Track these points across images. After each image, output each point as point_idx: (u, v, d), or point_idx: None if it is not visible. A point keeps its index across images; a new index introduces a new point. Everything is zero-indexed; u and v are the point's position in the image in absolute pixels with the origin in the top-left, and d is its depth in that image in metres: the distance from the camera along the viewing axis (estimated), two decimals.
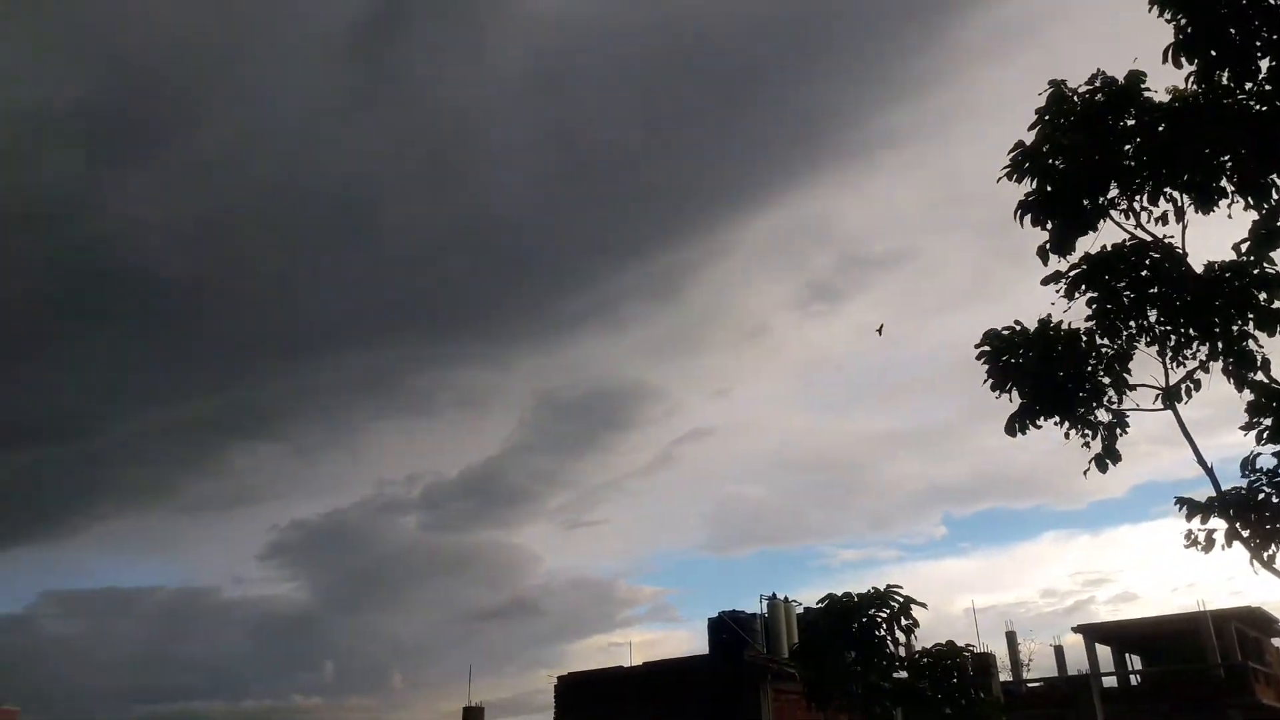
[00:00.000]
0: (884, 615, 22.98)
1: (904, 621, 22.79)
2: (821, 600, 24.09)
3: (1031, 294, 13.52)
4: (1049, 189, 13.42)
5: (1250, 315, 12.54)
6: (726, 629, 21.75)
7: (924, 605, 23.09)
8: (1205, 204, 12.53)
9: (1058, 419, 13.46)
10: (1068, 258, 13.40)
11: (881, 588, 23.18)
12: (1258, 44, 12.08)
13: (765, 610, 30.84)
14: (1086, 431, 13.47)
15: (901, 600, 22.94)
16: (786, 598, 25.71)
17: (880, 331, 46.05)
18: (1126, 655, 56.75)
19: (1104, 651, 53.66)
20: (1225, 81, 12.33)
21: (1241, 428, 12.71)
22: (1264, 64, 12.03)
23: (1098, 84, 13.41)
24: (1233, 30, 12.22)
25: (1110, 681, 50.13)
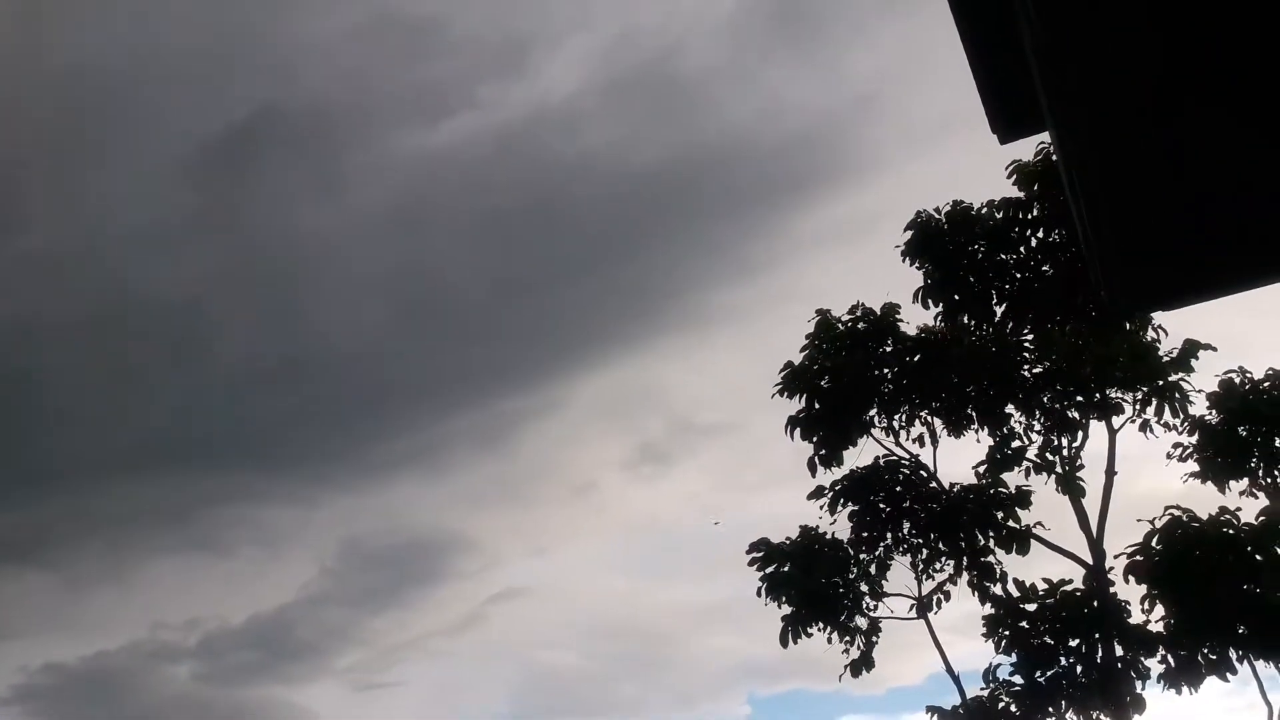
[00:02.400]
0: None
1: None
2: None
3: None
4: (816, 406, 13.79)
5: (990, 533, 13.06)
6: None
7: None
8: (955, 428, 13.18)
9: (822, 625, 13.35)
10: (833, 470, 13.69)
11: None
12: (993, 291, 13.14)
13: None
14: (846, 638, 13.41)
15: None
16: None
17: (718, 524, 45.57)
18: None
19: None
20: (967, 321, 13.27)
21: (983, 634, 12.93)
22: (999, 309, 13.06)
23: (859, 314, 14.13)
24: (972, 279, 13.25)
25: None
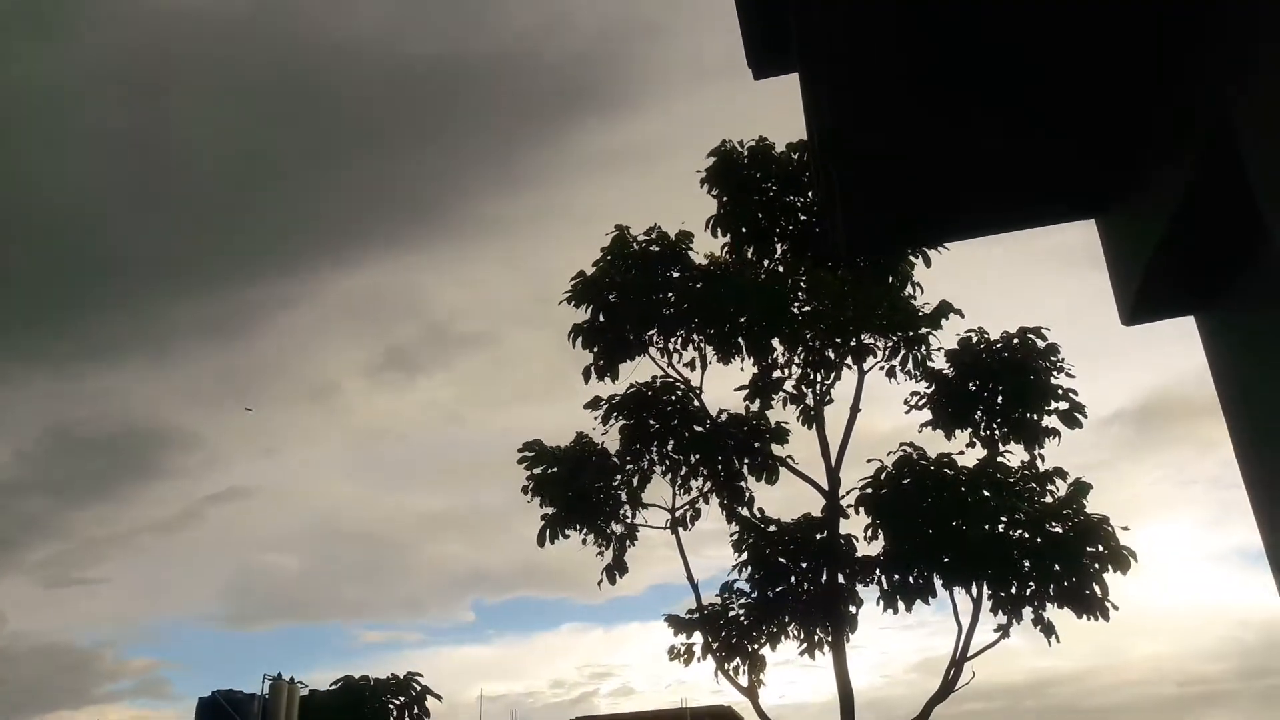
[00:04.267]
0: (398, 703, 22.45)
1: (416, 710, 22.40)
2: (336, 682, 22.78)
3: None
4: (601, 317, 13.88)
5: (746, 460, 13.64)
6: (218, 710, 19.28)
7: (439, 697, 22.80)
8: (724, 355, 13.57)
9: (578, 526, 13.64)
10: (608, 380, 13.86)
11: (401, 672, 22.69)
12: (777, 230, 13.50)
13: (266, 691, 28.07)
14: (602, 542, 13.76)
15: (419, 689, 22.60)
16: (293, 678, 23.85)
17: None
18: None
19: None
20: (751, 255, 13.60)
21: (735, 567, 13.46)
22: (779, 247, 13.44)
23: (654, 236, 14.23)
24: (760, 215, 13.56)
25: None
